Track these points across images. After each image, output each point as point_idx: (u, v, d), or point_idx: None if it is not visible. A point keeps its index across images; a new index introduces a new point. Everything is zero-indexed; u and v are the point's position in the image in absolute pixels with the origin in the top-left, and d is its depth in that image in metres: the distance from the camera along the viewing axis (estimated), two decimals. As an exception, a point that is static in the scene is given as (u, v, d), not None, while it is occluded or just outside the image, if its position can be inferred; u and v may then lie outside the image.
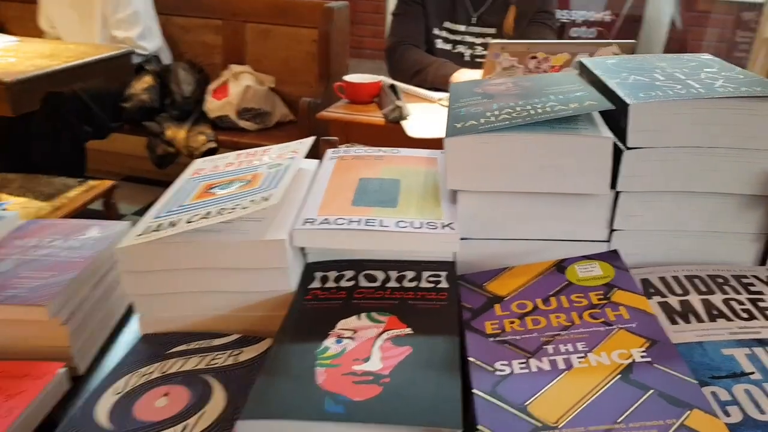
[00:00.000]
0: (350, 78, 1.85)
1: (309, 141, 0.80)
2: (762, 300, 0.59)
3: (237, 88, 2.57)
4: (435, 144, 0.78)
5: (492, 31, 2.00)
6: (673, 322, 0.57)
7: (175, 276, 0.63)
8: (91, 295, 0.66)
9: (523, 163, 0.64)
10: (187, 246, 0.61)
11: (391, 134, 1.65)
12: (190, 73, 2.68)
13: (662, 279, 0.64)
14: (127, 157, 3.06)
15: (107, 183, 2.04)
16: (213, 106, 2.58)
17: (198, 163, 0.82)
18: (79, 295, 0.64)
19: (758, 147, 0.62)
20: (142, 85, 2.58)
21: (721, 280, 0.63)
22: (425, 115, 1.70)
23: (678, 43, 3.57)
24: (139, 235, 0.62)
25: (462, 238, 0.65)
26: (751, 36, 3.10)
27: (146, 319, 0.65)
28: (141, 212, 2.81)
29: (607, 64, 0.79)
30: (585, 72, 0.81)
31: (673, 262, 0.68)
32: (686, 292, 0.61)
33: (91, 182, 2.01)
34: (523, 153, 0.64)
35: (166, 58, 2.81)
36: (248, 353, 0.59)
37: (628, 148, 0.63)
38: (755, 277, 0.63)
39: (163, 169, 2.57)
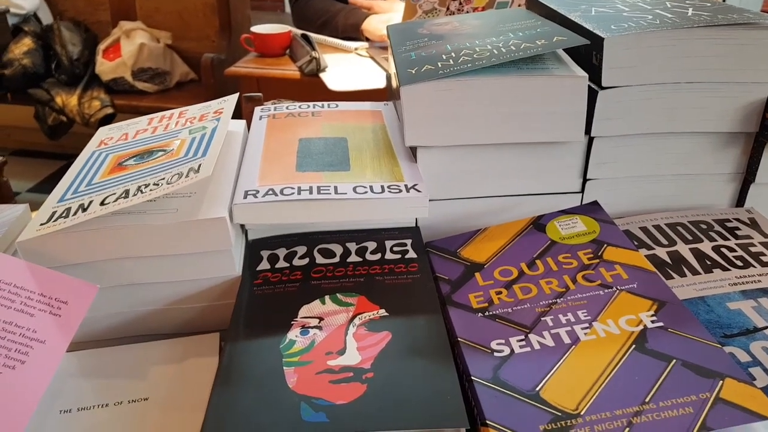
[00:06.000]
0: (258, 29, 1.71)
1: (233, 98, 0.70)
2: (752, 245, 0.55)
3: (130, 46, 2.35)
4: (359, 97, 0.69)
5: (405, -23, 1.90)
6: (667, 276, 0.52)
7: (93, 270, 0.52)
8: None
9: (491, 110, 0.57)
10: (105, 233, 0.50)
11: (310, 88, 1.54)
12: (75, 32, 2.42)
13: (644, 229, 0.59)
14: (13, 129, 2.78)
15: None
16: (105, 67, 2.35)
17: (103, 132, 0.70)
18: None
19: (741, 80, 0.57)
20: (21, 49, 2.32)
21: (704, 226, 0.59)
22: (343, 66, 1.59)
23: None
24: (44, 223, 0.50)
25: (426, 200, 0.57)
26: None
27: (61, 324, 0.54)
28: (36, 189, 2.56)
29: (559, -4, 0.73)
30: (536, 6, 0.74)
31: (649, 210, 0.63)
32: (672, 242, 0.57)
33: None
34: (491, 99, 0.56)
35: (46, 18, 2.53)
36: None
37: (603, 88, 0.57)
38: (737, 219, 0.60)
39: (56, 140, 2.33)
